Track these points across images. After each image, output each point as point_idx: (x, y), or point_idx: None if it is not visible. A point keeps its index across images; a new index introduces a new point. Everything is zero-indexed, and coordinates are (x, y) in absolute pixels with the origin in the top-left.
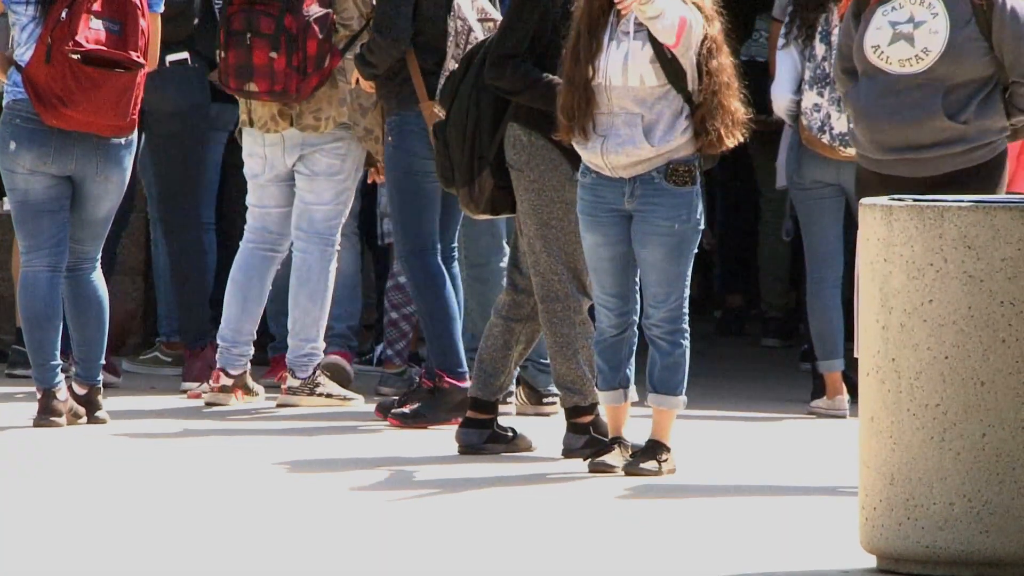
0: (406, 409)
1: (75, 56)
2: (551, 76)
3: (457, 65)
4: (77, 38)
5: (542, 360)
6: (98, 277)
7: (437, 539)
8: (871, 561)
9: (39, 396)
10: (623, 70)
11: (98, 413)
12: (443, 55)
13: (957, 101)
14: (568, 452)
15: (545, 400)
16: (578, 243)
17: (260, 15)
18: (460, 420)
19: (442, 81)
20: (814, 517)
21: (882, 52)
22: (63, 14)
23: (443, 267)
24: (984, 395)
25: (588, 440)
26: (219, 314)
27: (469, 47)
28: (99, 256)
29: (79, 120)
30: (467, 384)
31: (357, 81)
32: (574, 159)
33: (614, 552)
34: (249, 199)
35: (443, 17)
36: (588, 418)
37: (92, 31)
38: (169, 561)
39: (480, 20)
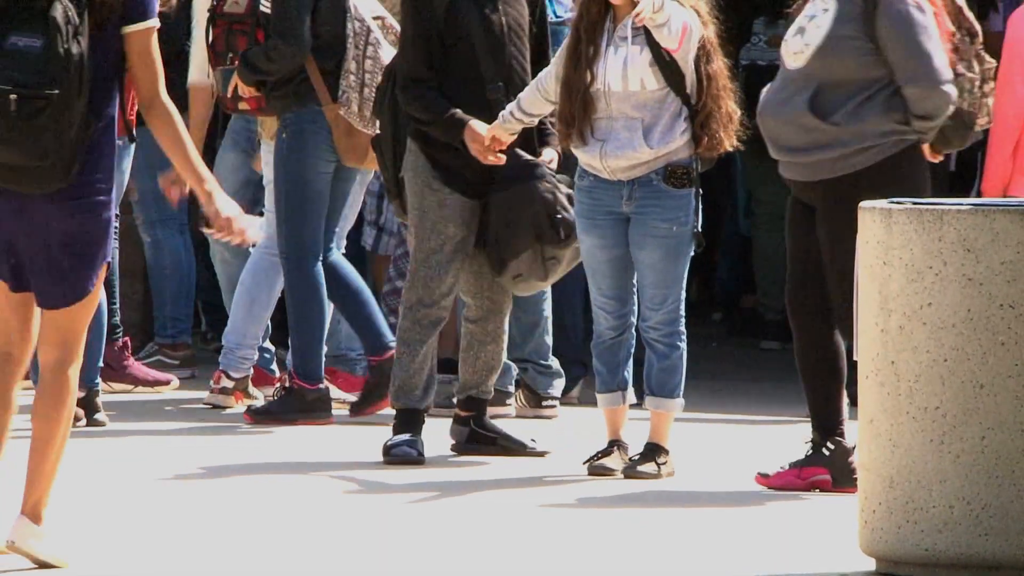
0: (258, 405)
1: None
2: (456, 112)
3: (355, 66)
4: None
5: (542, 363)
6: None
7: (436, 541)
8: (870, 564)
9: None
10: (623, 75)
11: (97, 416)
12: (341, 56)
13: (831, 101)
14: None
15: (545, 403)
16: (429, 249)
17: (237, 34)
18: (312, 421)
19: (344, 83)
20: (814, 520)
21: (786, 44)
22: None
23: (321, 274)
24: (983, 398)
25: (470, 433)
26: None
27: (369, 47)
28: None
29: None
30: (320, 387)
31: (235, 88)
32: (439, 167)
33: (613, 555)
34: (264, 205)
35: (340, 19)
36: (467, 413)
37: None
38: (169, 561)
39: (374, 18)
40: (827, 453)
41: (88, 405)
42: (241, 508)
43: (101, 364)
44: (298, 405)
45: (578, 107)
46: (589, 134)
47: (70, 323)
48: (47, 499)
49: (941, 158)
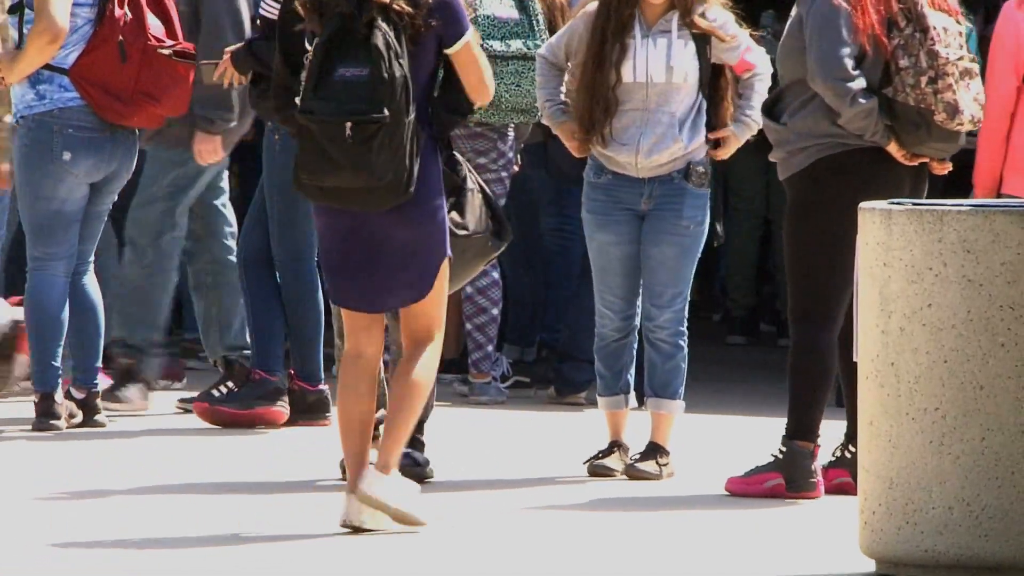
0: (214, 392)
1: (166, 52)
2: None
3: None
4: (154, 34)
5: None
6: (92, 280)
7: (435, 541)
8: (870, 565)
9: (37, 399)
10: (667, 67)
11: (96, 417)
12: None
13: (788, 102)
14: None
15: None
16: None
17: None
18: (311, 421)
19: None
20: (814, 521)
21: None
22: (126, 12)
23: (316, 274)
24: (983, 399)
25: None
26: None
27: None
28: (92, 258)
29: (157, 116)
30: (321, 388)
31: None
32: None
33: (612, 556)
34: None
35: None
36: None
37: (155, 27)
38: (169, 562)
39: None
40: (850, 456)
41: (89, 407)
42: (244, 510)
43: (99, 365)
44: (299, 406)
45: (601, 109)
46: (610, 135)
47: (424, 313)
48: (398, 455)
49: (915, 162)
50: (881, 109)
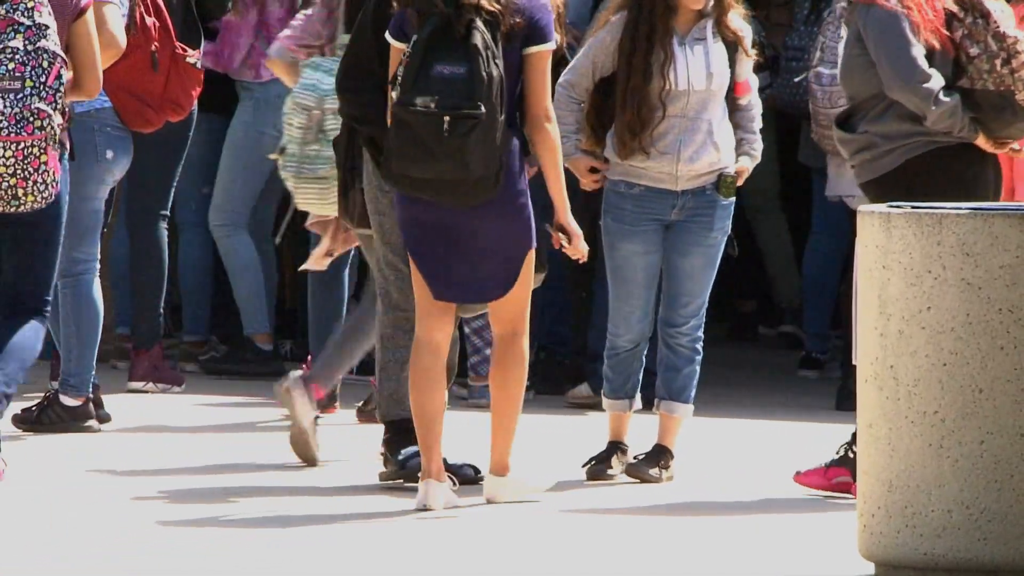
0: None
1: (191, 61)
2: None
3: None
4: (179, 43)
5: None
6: (98, 284)
7: (433, 544)
8: (869, 568)
9: (79, 403)
10: (706, 74)
11: (100, 412)
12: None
13: (862, 113)
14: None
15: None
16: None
17: None
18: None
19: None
20: (813, 524)
21: None
22: (153, 21)
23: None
24: (982, 402)
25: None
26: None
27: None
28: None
29: (177, 119)
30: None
31: None
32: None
33: (612, 558)
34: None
35: None
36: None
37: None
38: (169, 562)
39: None
40: (852, 456)
41: (94, 402)
42: (245, 510)
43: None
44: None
45: (645, 116)
46: (649, 143)
47: (513, 304)
48: (510, 452)
49: (1007, 149)
50: (963, 103)
